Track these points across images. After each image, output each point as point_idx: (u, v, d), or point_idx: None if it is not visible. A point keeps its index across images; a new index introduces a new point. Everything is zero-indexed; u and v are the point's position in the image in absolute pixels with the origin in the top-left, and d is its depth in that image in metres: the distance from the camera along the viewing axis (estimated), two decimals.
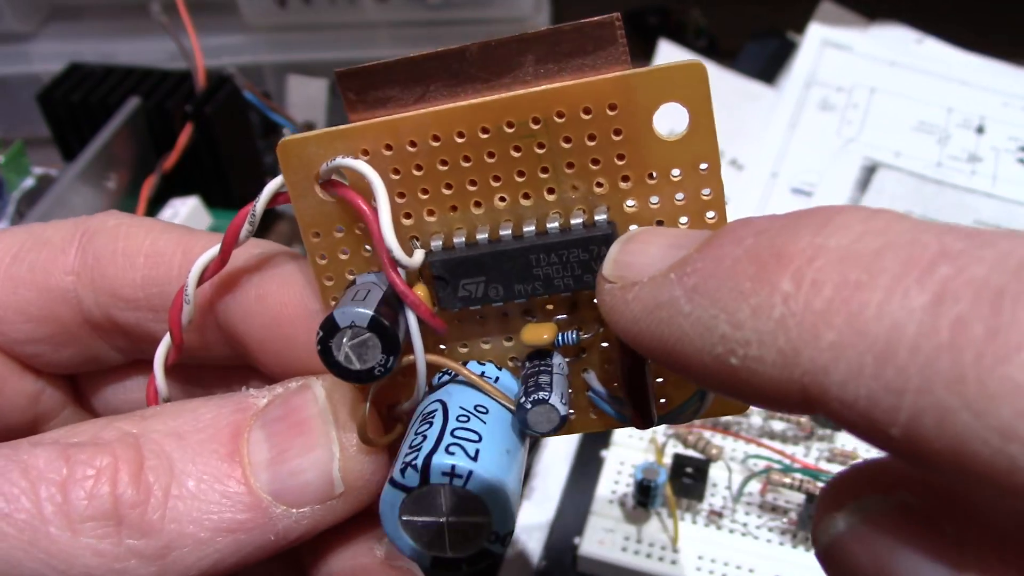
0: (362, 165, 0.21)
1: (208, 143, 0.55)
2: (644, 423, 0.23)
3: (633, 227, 0.21)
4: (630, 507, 0.42)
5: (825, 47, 0.68)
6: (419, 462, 0.20)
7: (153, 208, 0.55)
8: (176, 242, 0.25)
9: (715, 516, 0.42)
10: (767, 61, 0.71)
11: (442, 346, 0.24)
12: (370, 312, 0.20)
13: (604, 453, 0.45)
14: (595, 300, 0.22)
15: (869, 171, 0.61)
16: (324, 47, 0.69)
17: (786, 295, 0.15)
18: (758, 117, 0.65)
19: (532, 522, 0.44)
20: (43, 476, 0.20)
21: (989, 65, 0.67)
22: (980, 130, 0.64)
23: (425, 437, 0.21)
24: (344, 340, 0.20)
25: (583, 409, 0.24)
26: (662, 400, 0.23)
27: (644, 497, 0.40)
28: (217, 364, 0.27)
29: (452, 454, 0.20)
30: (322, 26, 0.69)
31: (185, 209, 0.53)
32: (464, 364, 0.23)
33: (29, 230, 0.25)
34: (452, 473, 0.19)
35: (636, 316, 0.17)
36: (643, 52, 0.73)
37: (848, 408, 0.14)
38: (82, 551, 0.20)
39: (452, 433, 0.20)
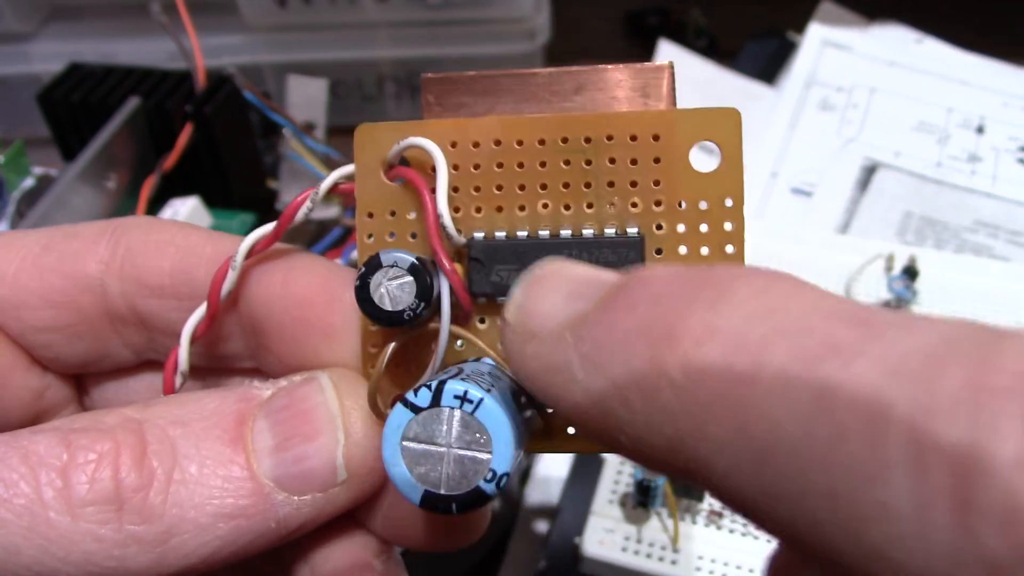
0: (427, 142, 0.23)
1: (208, 143, 0.55)
2: None
3: (543, 267, 0.21)
4: (630, 507, 0.42)
5: (825, 47, 0.68)
6: (433, 384, 0.20)
7: (153, 208, 0.55)
8: (207, 238, 0.25)
9: (715, 516, 0.42)
10: (767, 61, 0.71)
11: (460, 343, 0.24)
12: (413, 257, 0.22)
13: (604, 453, 0.45)
14: None
15: (869, 171, 0.62)
16: (324, 47, 0.69)
17: (672, 382, 0.14)
18: (758, 117, 0.65)
19: (532, 522, 0.44)
20: (43, 461, 0.20)
21: (989, 65, 0.68)
22: (980, 130, 0.64)
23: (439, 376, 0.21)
24: (384, 279, 0.22)
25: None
26: None
27: (644, 497, 0.40)
28: (225, 366, 0.27)
29: (466, 383, 0.20)
30: (322, 26, 0.69)
31: (185, 209, 0.53)
32: (480, 359, 0.24)
33: (61, 227, 0.26)
34: (464, 397, 0.20)
35: (534, 374, 0.17)
36: (643, 52, 0.73)
37: (728, 499, 0.14)
38: (82, 537, 0.19)
39: (467, 375, 0.21)
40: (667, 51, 0.69)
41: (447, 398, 0.20)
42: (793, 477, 0.12)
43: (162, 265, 0.25)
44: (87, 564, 0.20)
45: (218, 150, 0.56)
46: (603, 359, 0.16)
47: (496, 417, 0.20)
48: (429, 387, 0.20)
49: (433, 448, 0.20)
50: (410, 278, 0.22)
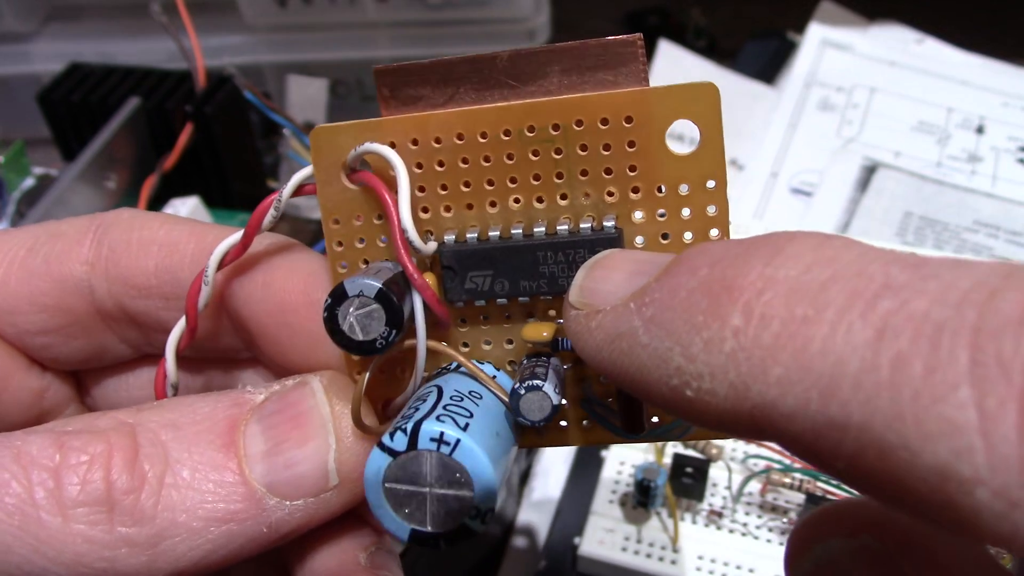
0: (386, 149, 0.22)
1: (208, 143, 0.55)
2: (634, 430, 0.23)
3: (605, 253, 0.21)
4: (630, 507, 0.42)
5: (825, 47, 0.68)
6: (409, 427, 0.20)
7: (153, 208, 0.55)
8: (190, 232, 0.25)
9: (715, 516, 0.42)
10: (767, 61, 0.71)
11: (443, 344, 0.24)
12: (379, 284, 0.21)
13: (604, 453, 0.45)
14: None
15: (869, 171, 0.62)
16: (324, 47, 0.69)
17: (736, 329, 0.15)
18: (758, 117, 0.65)
19: (532, 522, 0.44)
20: (35, 462, 0.20)
21: (989, 65, 0.67)
22: (980, 130, 0.64)
23: (417, 410, 0.21)
24: (351, 309, 0.21)
25: (576, 421, 0.24)
26: (654, 419, 0.23)
27: (644, 497, 0.40)
28: (223, 357, 0.27)
29: (442, 422, 0.20)
30: (322, 26, 0.69)
31: (185, 209, 0.53)
32: (460, 369, 0.23)
33: (44, 226, 0.26)
34: (440, 440, 0.20)
35: (599, 345, 0.18)
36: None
37: (795, 440, 0.14)
38: (73, 537, 0.19)
39: (445, 407, 0.21)
40: (667, 51, 0.69)
41: (423, 441, 0.20)
42: (860, 405, 0.13)
43: (146, 265, 0.25)
44: (77, 565, 0.19)
45: (218, 150, 0.56)
46: (666, 318, 0.16)
47: (475, 456, 0.20)
48: (404, 431, 0.20)
49: (416, 489, 0.20)
50: (377, 305, 0.21)
